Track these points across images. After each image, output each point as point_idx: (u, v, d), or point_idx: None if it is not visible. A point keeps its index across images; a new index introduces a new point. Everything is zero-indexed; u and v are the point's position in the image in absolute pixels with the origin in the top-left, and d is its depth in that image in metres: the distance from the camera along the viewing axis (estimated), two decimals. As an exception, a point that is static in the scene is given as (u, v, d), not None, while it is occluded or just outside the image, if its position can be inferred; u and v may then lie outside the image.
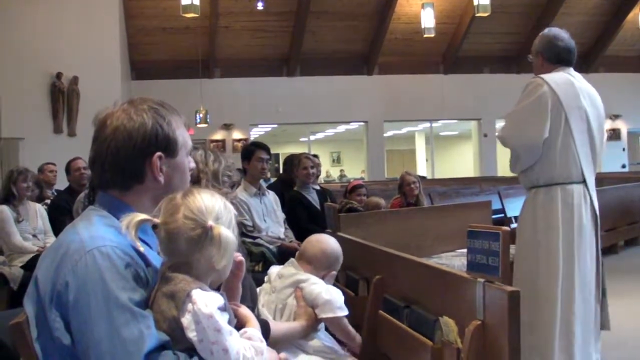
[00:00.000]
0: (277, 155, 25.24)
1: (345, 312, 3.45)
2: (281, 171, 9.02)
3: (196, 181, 3.25)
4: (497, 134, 4.86)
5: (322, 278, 3.57)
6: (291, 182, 8.60)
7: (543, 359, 4.65)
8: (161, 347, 2.08)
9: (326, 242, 3.70)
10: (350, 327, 3.53)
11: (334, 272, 3.70)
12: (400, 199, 9.17)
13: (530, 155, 4.84)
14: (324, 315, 3.40)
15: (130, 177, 2.36)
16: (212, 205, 2.21)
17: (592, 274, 4.78)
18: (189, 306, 2.09)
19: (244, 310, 2.43)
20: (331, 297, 3.41)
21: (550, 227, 4.78)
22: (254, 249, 6.33)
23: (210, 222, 2.16)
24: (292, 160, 8.83)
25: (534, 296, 4.75)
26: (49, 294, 2.15)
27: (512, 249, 4.88)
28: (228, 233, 2.18)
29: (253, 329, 2.34)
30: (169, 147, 2.40)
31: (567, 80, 4.91)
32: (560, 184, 4.83)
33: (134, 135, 2.33)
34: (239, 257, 2.47)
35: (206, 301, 2.09)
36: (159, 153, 2.36)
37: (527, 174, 4.95)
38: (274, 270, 3.73)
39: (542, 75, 4.91)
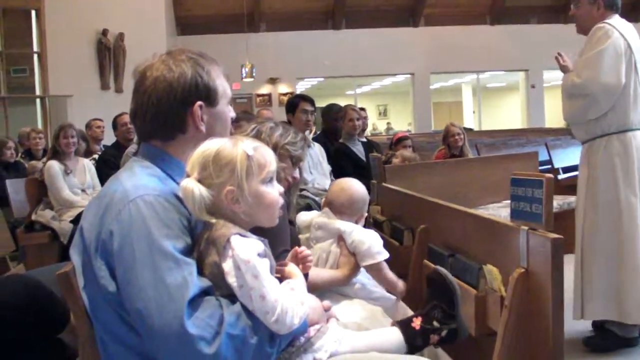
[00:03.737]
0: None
1: (385, 256, 3.46)
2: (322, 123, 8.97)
3: None
4: (571, 81, 4.73)
5: (356, 222, 3.60)
6: (334, 132, 8.55)
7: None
8: (204, 292, 2.10)
9: (351, 188, 3.67)
10: (390, 274, 3.53)
11: (365, 214, 3.71)
12: (445, 150, 9.12)
13: (609, 99, 4.80)
14: (364, 263, 3.43)
15: (172, 127, 2.39)
16: (199, 156, 2.21)
17: None
18: (229, 252, 2.11)
19: (291, 268, 2.42)
20: (369, 244, 3.42)
21: (629, 176, 4.76)
22: (300, 200, 6.28)
23: (195, 175, 2.19)
24: (330, 110, 8.76)
25: (618, 255, 4.75)
26: (94, 243, 2.18)
27: (558, 199, 4.86)
28: (189, 185, 2.16)
29: (297, 281, 2.33)
30: (209, 96, 2.41)
31: (629, 26, 4.90)
32: (633, 129, 4.80)
33: (174, 86, 2.35)
34: (304, 251, 2.57)
35: (245, 247, 2.11)
36: (199, 102, 2.38)
37: (598, 120, 4.90)
38: (304, 218, 3.75)
39: (609, 22, 4.87)
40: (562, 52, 5.15)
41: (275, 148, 3.28)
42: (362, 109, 9.39)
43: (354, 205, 3.63)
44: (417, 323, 2.66)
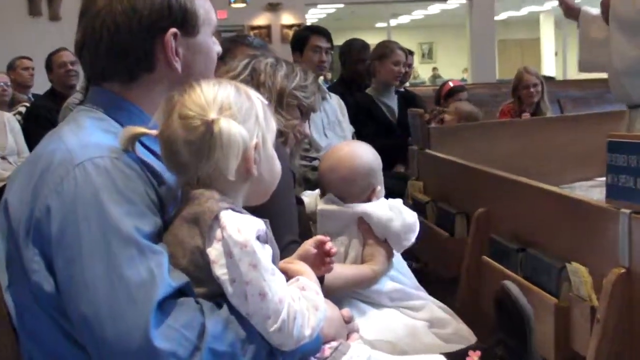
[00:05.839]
0: (343, 47, 25.10)
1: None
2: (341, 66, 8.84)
3: None
4: None
5: (369, 200, 3.53)
6: (355, 79, 8.49)
7: None
8: (178, 292, 2.07)
9: (339, 165, 3.55)
10: None
11: (378, 186, 3.59)
12: (514, 105, 9.06)
13: None
14: (404, 248, 3.43)
15: (134, 63, 2.38)
16: (215, 95, 2.16)
17: None
18: (218, 232, 2.07)
19: (298, 265, 2.41)
20: (406, 219, 3.41)
21: None
22: (311, 174, 6.19)
23: (213, 115, 2.10)
24: (351, 47, 8.70)
25: None
26: (24, 225, 2.16)
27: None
28: (234, 126, 2.10)
29: (308, 280, 2.30)
30: (186, 21, 2.41)
31: None
32: None
33: (138, 6, 2.34)
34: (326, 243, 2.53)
35: (239, 225, 2.06)
36: (173, 30, 2.37)
37: None
38: (307, 200, 3.72)
39: None
40: None
41: (281, 95, 3.26)
42: (411, 53, 9.32)
43: (355, 184, 3.53)
44: (473, 359, 2.67)
